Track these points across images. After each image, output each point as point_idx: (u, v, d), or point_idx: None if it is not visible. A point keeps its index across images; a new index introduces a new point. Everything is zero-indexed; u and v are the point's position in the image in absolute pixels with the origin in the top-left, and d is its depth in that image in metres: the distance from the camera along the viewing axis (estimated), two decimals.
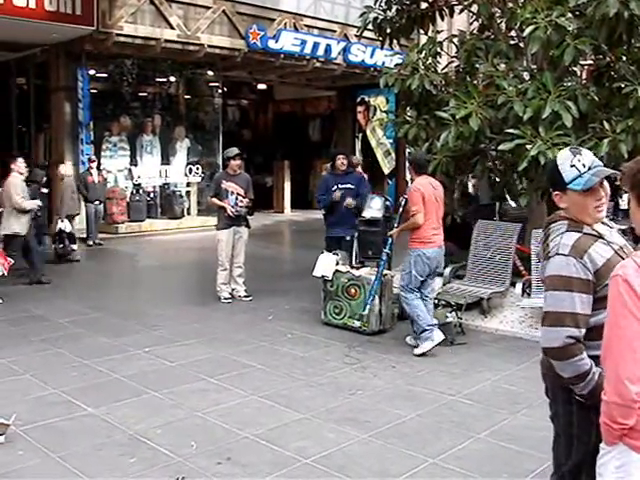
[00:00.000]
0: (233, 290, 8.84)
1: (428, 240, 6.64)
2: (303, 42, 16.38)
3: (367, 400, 5.35)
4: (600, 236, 2.66)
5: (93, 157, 14.47)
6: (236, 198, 8.65)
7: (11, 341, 6.88)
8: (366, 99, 20.65)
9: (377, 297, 7.16)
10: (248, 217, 8.86)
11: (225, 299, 8.69)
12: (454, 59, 9.11)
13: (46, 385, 5.58)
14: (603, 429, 2.26)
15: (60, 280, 10.17)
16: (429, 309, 6.81)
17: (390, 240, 7.10)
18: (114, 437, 4.59)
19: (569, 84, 7.53)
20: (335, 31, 17.33)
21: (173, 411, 5.06)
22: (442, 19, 9.54)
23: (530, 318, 7.44)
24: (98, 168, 14.34)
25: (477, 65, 8.30)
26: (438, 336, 6.60)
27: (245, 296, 8.81)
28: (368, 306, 7.14)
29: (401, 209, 7.15)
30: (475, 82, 8.33)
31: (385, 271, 7.56)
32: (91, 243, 13.85)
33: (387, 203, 8.15)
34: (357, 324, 7.28)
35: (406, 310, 6.77)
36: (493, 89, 7.60)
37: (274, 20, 16.13)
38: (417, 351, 6.55)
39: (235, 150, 8.85)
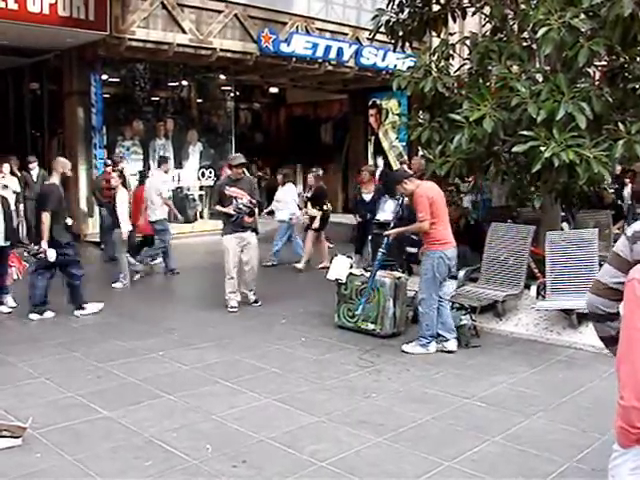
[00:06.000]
0: (242, 295, 8.67)
1: (446, 240, 6.67)
2: (315, 45, 16.38)
3: (382, 403, 5.34)
4: None
5: (108, 161, 14.53)
6: (241, 204, 8.37)
7: (26, 345, 6.93)
8: (378, 102, 20.61)
9: (391, 300, 7.17)
10: (251, 219, 8.49)
11: (232, 308, 8.44)
12: (467, 61, 9.09)
13: (62, 388, 5.61)
14: (619, 432, 2.22)
15: None
16: (446, 312, 6.80)
17: (387, 240, 7.15)
18: (130, 440, 4.60)
19: (583, 85, 7.49)
20: (347, 34, 17.32)
21: (188, 414, 5.08)
22: (454, 21, 9.52)
23: (545, 321, 7.40)
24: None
25: (490, 67, 8.26)
26: (451, 346, 6.72)
27: (254, 301, 8.72)
28: (361, 305, 7.24)
29: (400, 210, 7.22)
30: (488, 84, 8.30)
31: (399, 274, 7.56)
32: (104, 247, 13.89)
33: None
34: (371, 327, 7.28)
35: (420, 313, 6.80)
36: (506, 91, 7.57)
37: (286, 23, 16.14)
38: (406, 347, 6.72)
39: (239, 159, 8.55)
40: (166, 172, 12.12)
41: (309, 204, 11.63)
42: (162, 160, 12.48)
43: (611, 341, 2.66)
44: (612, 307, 2.59)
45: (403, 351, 6.69)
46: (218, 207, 8.58)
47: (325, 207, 11.56)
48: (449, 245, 6.69)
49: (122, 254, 10.02)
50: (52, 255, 7.90)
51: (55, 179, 8.29)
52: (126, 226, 9.80)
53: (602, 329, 2.68)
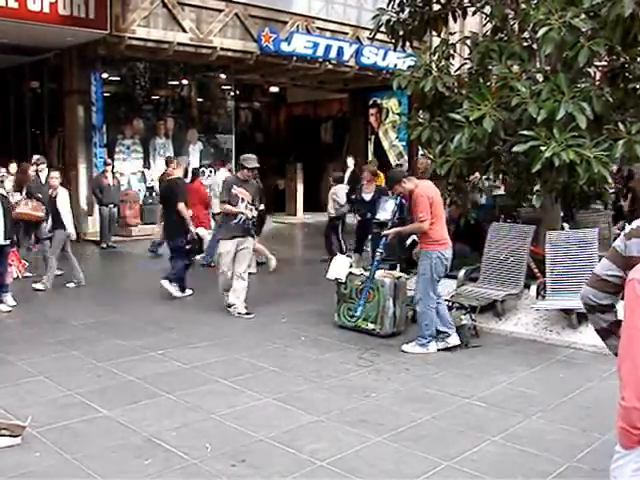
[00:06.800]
0: (231, 306, 8.22)
1: (444, 241, 6.68)
2: (315, 45, 16.40)
3: (381, 402, 5.34)
4: None
5: (109, 160, 14.56)
6: (246, 206, 8.20)
7: (26, 343, 6.92)
8: (378, 101, 20.64)
9: (391, 299, 7.17)
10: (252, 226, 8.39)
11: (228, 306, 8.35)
12: (467, 61, 9.09)
13: (61, 387, 5.60)
14: (620, 433, 2.21)
15: None
16: (443, 309, 6.81)
17: (385, 240, 7.13)
18: (129, 439, 4.60)
19: (583, 85, 7.49)
20: (347, 33, 17.35)
21: (188, 413, 5.07)
22: (455, 21, 9.51)
23: (545, 320, 7.39)
24: (112, 171, 14.41)
25: (490, 67, 8.26)
26: (454, 340, 6.73)
27: (246, 313, 8.17)
28: (360, 308, 7.26)
29: (397, 211, 7.23)
30: (488, 84, 8.29)
31: (398, 273, 7.57)
32: (104, 246, 13.92)
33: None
34: (371, 326, 7.27)
35: (418, 313, 6.80)
36: (507, 91, 7.56)
37: (286, 23, 16.17)
38: (405, 347, 6.73)
39: (253, 163, 8.25)
40: (230, 171, 12.74)
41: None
42: (226, 160, 13.45)
43: (604, 333, 2.74)
44: (603, 299, 2.65)
45: (403, 351, 6.69)
46: (228, 207, 8.22)
47: (261, 208, 11.42)
48: (446, 245, 6.71)
49: (54, 255, 9.64)
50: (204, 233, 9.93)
51: (179, 172, 9.47)
52: (71, 228, 9.62)
53: (594, 320, 2.75)
